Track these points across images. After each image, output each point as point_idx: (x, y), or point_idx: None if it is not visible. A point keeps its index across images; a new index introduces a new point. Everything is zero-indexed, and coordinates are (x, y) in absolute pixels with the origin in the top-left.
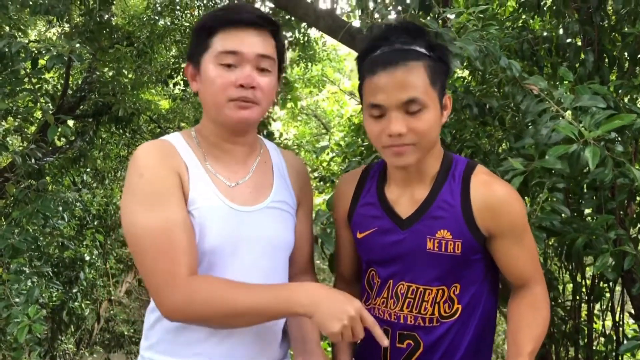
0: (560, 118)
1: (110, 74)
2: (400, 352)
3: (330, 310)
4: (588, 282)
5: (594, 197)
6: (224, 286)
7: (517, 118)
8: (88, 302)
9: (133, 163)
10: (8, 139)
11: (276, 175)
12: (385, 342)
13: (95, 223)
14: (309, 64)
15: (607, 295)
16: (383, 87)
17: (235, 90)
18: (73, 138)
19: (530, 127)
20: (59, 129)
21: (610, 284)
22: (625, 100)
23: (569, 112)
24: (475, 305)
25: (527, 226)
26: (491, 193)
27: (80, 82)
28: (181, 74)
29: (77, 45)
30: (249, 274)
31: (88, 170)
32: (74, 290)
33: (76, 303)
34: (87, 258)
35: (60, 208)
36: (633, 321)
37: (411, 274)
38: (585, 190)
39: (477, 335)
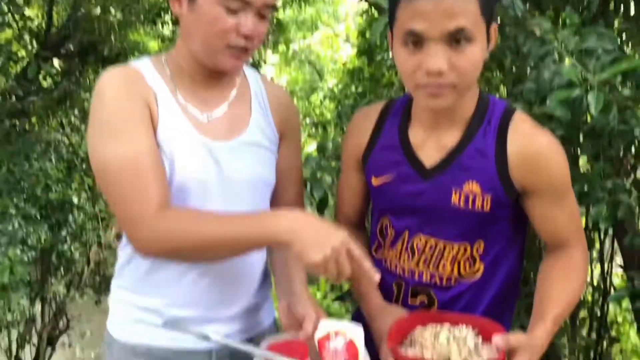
0: (564, 61)
1: (97, 12)
2: (412, 308)
3: (312, 239)
4: None
5: (592, 145)
6: (194, 216)
7: (516, 62)
8: (77, 245)
9: (97, 92)
10: None
11: (255, 107)
12: (376, 277)
13: (84, 166)
14: (302, 4)
15: (597, 246)
16: (426, 13)
17: (235, 38)
18: (59, 78)
19: (531, 70)
20: (41, 67)
21: (601, 234)
22: (630, 44)
23: (572, 56)
24: (499, 265)
25: (568, 184)
26: (531, 144)
27: (65, 20)
28: (170, 13)
29: None
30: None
31: (76, 112)
32: (63, 234)
33: (65, 246)
34: (76, 201)
35: (45, 149)
36: (622, 271)
37: (430, 227)
38: (583, 138)
39: (499, 297)
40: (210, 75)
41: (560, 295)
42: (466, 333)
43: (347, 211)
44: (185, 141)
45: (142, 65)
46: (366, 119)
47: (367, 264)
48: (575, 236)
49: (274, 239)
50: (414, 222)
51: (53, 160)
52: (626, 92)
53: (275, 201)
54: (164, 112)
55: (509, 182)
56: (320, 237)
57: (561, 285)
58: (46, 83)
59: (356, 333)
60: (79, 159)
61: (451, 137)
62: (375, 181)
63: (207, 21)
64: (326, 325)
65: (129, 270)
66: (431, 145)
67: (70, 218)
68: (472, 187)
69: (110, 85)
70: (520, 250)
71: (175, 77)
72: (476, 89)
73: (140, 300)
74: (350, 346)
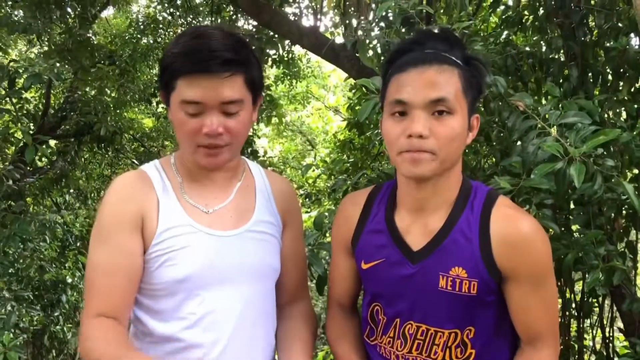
0: (546, 135)
1: (92, 93)
2: None
3: None
4: (577, 297)
5: (582, 213)
6: (103, 344)
7: (502, 134)
8: (70, 325)
9: (104, 196)
10: None
11: (259, 197)
12: None
13: (78, 244)
14: (294, 81)
15: (597, 310)
16: (411, 83)
17: (202, 137)
18: (54, 158)
19: (516, 144)
20: (38, 150)
21: (600, 299)
22: (610, 114)
23: (554, 129)
24: (490, 350)
25: (549, 274)
26: (513, 229)
27: (62, 102)
28: None
29: (57, 64)
30: (230, 303)
31: (71, 191)
32: (56, 314)
33: (58, 327)
34: (69, 280)
35: (40, 230)
36: (623, 337)
37: (420, 313)
38: (573, 206)
39: None
40: (211, 170)
41: None
42: None
43: (339, 295)
44: (188, 235)
45: (150, 169)
46: (354, 205)
47: None
48: (549, 333)
49: None
50: (405, 309)
51: (47, 240)
52: (610, 162)
53: (280, 286)
54: (166, 213)
55: (493, 266)
56: None
57: None
58: (41, 163)
59: None
60: (72, 237)
61: (436, 221)
62: (364, 265)
63: (177, 124)
64: None
65: None
66: (417, 229)
67: (64, 298)
68: (459, 272)
69: (111, 191)
70: (512, 337)
71: (182, 173)
72: (459, 174)
73: None
74: None
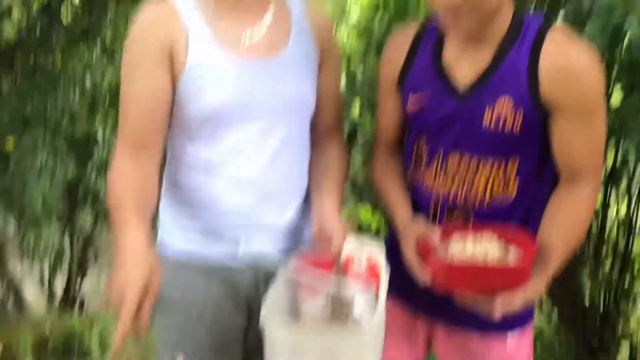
0: None
1: None
2: None
3: (118, 271)
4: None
5: (628, 76)
6: (117, 183)
7: None
8: (103, 179)
9: (130, 31)
10: (14, 10)
11: (294, 26)
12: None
13: (107, 99)
14: None
15: (625, 182)
16: None
17: None
18: (80, 11)
19: None
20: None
21: (630, 170)
22: None
23: None
24: (531, 189)
25: (600, 108)
26: (565, 55)
27: None
28: None
29: None
30: (264, 139)
31: (98, 46)
32: (89, 168)
33: (91, 180)
34: (100, 137)
35: (69, 82)
36: None
37: (463, 146)
38: (619, 70)
39: (528, 218)
40: None
41: (564, 246)
42: (490, 239)
43: (386, 136)
44: (219, 64)
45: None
46: (402, 40)
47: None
48: (591, 170)
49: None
50: (448, 140)
51: (77, 95)
52: None
53: (314, 123)
54: (196, 43)
55: (537, 96)
56: (120, 275)
57: (566, 233)
58: (66, 20)
59: (378, 252)
60: (102, 93)
61: (485, 56)
62: (411, 100)
63: None
64: (351, 245)
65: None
66: (465, 64)
67: (96, 152)
68: (505, 102)
69: (136, 25)
70: (554, 183)
71: (212, 2)
72: (509, 9)
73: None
74: (372, 266)
